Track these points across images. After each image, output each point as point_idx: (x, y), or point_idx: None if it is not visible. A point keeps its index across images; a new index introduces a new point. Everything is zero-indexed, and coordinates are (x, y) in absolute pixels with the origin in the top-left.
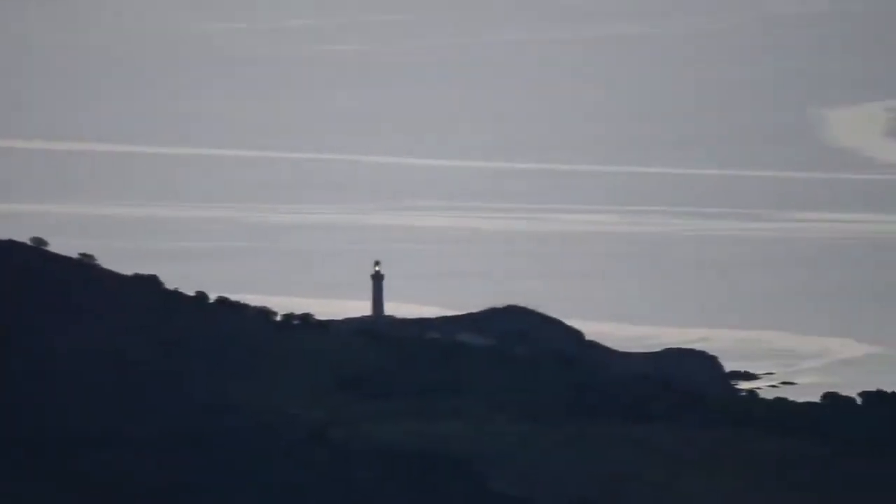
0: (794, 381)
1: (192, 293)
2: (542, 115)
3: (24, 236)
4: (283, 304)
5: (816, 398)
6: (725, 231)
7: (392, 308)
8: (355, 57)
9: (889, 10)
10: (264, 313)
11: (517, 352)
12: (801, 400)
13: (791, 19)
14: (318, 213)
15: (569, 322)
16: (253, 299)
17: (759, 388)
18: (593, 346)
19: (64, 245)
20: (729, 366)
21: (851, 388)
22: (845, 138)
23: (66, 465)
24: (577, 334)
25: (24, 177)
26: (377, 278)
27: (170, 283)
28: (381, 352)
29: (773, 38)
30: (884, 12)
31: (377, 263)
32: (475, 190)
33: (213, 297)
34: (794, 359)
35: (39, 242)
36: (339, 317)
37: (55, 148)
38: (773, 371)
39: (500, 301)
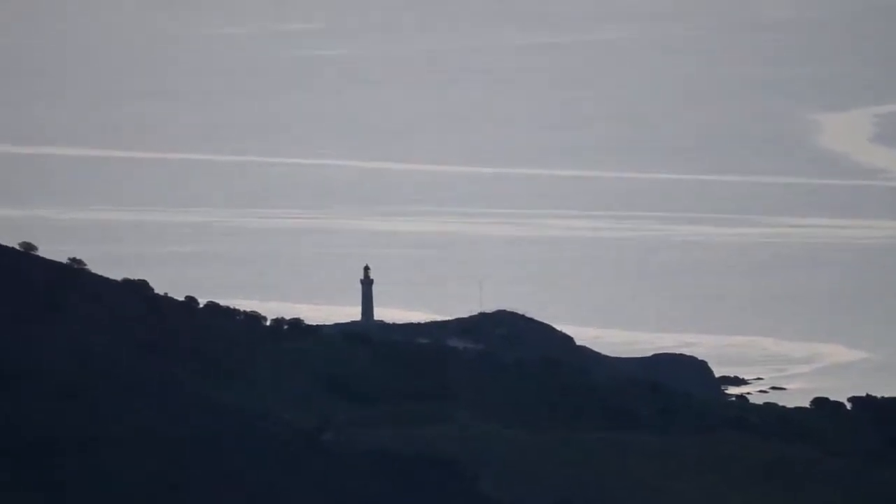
0: (784, 387)
1: (181, 298)
2: (531, 119)
3: (12, 241)
4: (272, 309)
5: (806, 403)
6: (715, 236)
7: (382, 313)
8: (343, 61)
9: (877, 16)
10: (254, 318)
11: (507, 357)
12: (790, 405)
13: (781, 25)
14: (308, 218)
15: (559, 327)
16: (242, 304)
17: (748, 394)
18: (583, 351)
19: (53, 250)
20: (719, 371)
21: (841, 394)
22: (833, 143)
23: (54, 471)
24: (567, 339)
25: (13, 181)
26: (367, 283)
27: (159, 289)
28: (371, 357)
29: (763, 43)
30: (872, 19)
31: (367, 268)
32: (465, 195)
33: (202, 302)
34: (784, 364)
35: (28, 247)
36: (329, 322)
37: (45, 153)
38: (762, 376)
39: (489, 306)
